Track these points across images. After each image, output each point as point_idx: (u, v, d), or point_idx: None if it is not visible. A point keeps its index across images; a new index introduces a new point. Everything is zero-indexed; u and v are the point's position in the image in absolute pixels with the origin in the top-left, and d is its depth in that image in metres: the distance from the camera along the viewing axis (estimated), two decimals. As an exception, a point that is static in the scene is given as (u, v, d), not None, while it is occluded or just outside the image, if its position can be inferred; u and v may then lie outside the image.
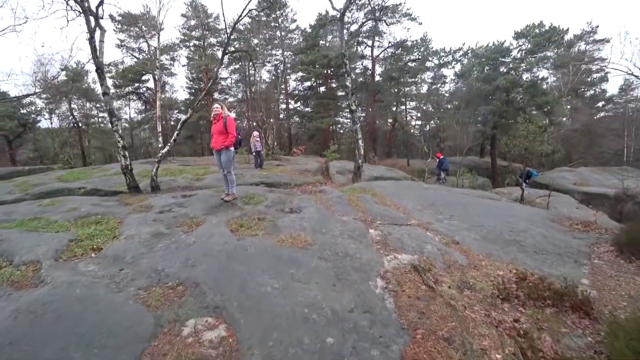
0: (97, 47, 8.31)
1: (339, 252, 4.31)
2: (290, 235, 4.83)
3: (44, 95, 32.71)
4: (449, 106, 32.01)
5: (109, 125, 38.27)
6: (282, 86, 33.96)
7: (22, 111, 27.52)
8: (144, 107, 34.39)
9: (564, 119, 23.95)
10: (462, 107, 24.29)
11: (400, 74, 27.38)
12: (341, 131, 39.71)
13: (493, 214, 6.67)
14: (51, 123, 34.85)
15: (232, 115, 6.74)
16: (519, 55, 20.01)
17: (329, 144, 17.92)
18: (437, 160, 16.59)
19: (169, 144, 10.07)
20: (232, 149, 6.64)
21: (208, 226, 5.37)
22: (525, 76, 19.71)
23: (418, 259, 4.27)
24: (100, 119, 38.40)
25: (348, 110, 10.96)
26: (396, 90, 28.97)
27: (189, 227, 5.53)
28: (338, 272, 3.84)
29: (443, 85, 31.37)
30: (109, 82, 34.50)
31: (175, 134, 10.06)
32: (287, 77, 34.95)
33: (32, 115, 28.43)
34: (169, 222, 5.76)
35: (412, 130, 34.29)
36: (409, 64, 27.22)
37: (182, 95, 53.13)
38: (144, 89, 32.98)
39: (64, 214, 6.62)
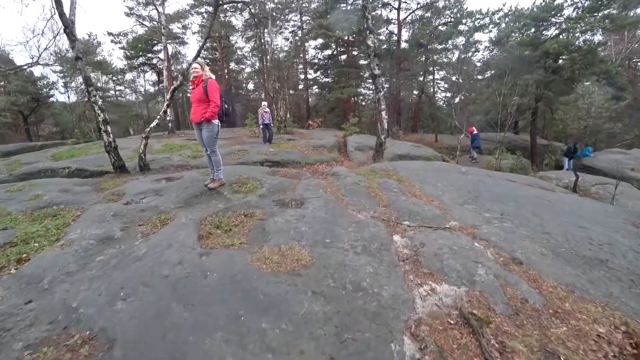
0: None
1: (348, 282, 2.84)
2: (278, 249, 3.39)
3: (58, 69, 32.25)
4: (479, 77, 29.16)
5: (123, 98, 37.78)
6: (301, 55, 31.88)
7: (36, 85, 26.73)
8: (157, 79, 33.14)
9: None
10: (498, 77, 21.73)
11: (429, 40, 24.71)
12: (363, 103, 37.45)
13: (555, 211, 4.97)
14: (68, 97, 34.51)
15: (213, 77, 5.15)
16: (574, 15, 16.96)
17: (348, 117, 16.11)
18: (470, 135, 14.60)
19: (158, 117, 8.71)
20: (215, 121, 5.18)
21: (174, 227, 4.02)
22: (581, 39, 16.77)
23: (467, 294, 2.77)
24: (117, 92, 37.83)
25: (370, 76, 9.03)
26: (424, 57, 26.34)
27: (153, 227, 4.21)
28: (343, 324, 2.38)
29: (475, 53, 28.39)
30: (120, 53, 33.51)
31: (165, 104, 8.69)
32: (306, 44, 32.76)
33: (45, 90, 27.69)
34: (131, 218, 4.47)
35: (440, 103, 31.69)
36: (439, 27, 24.42)
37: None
38: (157, 59, 31.61)
39: (25, 203, 5.54)
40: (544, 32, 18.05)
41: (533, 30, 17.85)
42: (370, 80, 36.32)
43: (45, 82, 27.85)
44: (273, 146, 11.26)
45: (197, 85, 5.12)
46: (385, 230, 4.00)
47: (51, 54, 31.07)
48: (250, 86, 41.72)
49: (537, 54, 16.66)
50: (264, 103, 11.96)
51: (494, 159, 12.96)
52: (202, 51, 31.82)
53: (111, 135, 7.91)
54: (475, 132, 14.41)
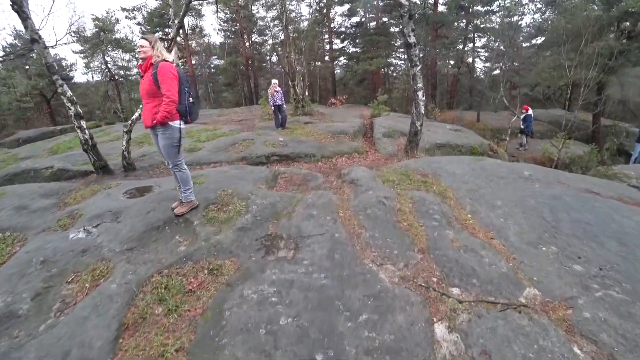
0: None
1: None
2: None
3: (78, 49, 31.63)
4: (525, 44, 25.55)
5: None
6: (325, 23, 29.42)
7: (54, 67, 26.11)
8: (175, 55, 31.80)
9: None
10: (553, 44, 18.50)
11: (471, 1, 21.57)
12: (394, 74, 34.60)
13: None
14: (92, 77, 34.08)
15: (171, 59, 3.40)
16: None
17: (377, 91, 14.02)
18: (522, 115, 12.23)
19: (140, 107, 7.27)
20: (175, 123, 3.63)
21: (95, 300, 2.62)
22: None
23: None
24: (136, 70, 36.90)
25: (403, 45, 6.92)
26: (465, 22, 23.17)
27: (80, 290, 2.85)
28: None
29: (522, 17, 24.64)
30: (136, 28, 32.30)
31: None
32: (332, 11, 30.15)
33: (64, 72, 27.08)
34: (62, 268, 3.29)
35: (480, 75, 28.31)
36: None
37: (216, 39, 49.99)
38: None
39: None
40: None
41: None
42: (403, 49, 33.30)
43: (63, 64, 27.20)
44: (286, 132, 9.64)
45: (146, 71, 3.55)
46: (422, 312, 2.40)
47: (70, 33, 30.62)
48: (275, 59, 39.66)
49: (612, 14, 13.56)
50: (274, 81, 10.24)
51: (553, 146, 10.61)
52: (221, 23, 29.95)
53: (87, 131, 6.59)
54: (530, 112, 12.00)
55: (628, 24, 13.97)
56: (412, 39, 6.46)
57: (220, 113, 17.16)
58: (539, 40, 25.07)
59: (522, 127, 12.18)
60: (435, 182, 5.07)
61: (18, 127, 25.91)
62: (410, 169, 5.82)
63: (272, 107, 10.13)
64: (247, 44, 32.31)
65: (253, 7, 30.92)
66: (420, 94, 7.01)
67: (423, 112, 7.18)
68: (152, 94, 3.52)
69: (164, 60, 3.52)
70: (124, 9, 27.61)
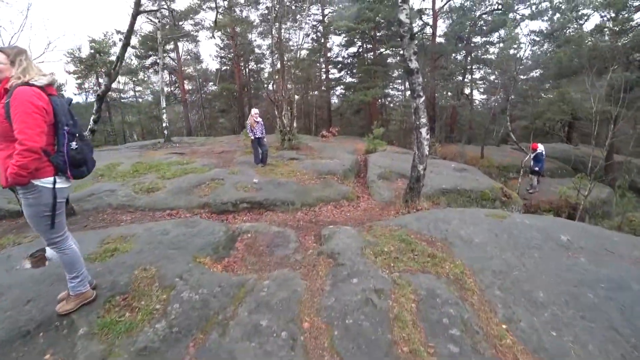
0: None
1: None
2: None
3: (72, 69, 30.97)
4: (522, 76, 24.80)
5: (141, 99, 36.16)
6: (322, 52, 28.99)
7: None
8: (168, 80, 31.13)
9: None
10: (555, 77, 17.76)
11: (470, 32, 20.97)
12: (392, 105, 33.87)
13: None
14: (86, 98, 33.28)
15: (41, 83, 1.91)
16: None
17: (372, 125, 12.79)
18: (532, 153, 10.99)
19: (90, 126, 5.99)
20: (44, 182, 2.24)
21: None
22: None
23: None
24: (137, 93, 36.11)
25: (404, 71, 5.61)
26: (464, 53, 22.52)
27: None
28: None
29: (518, 48, 24.09)
30: (130, 50, 31.84)
31: (92, 116, 5.93)
32: (330, 41, 29.79)
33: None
34: None
35: (478, 107, 27.47)
36: (484, 16, 20.59)
37: (212, 65, 49.69)
38: (168, 59, 29.55)
39: None
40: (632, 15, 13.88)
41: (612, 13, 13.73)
42: (402, 78, 32.75)
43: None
44: (265, 171, 8.28)
45: (0, 98, 2.20)
46: None
47: (64, 54, 29.97)
48: (271, 87, 39.02)
49: (622, 44, 12.67)
50: (254, 111, 8.97)
51: (574, 188, 9.29)
52: (217, 49, 29.23)
53: None
54: (540, 149, 10.76)
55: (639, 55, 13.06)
56: (413, 64, 5.25)
57: (204, 142, 15.89)
58: (536, 72, 24.49)
59: (533, 167, 10.90)
60: (448, 257, 3.67)
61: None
62: (412, 230, 4.43)
63: (252, 139, 8.83)
64: (243, 70, 31.67)
65: (250, 35, 30.54)
66: (424, 131, 5.72)
67: (427, 153, 5.87)
68: (4, 135, 2.16)
69: (26, 83, 2.18)
70: (118, 32, 26.96)
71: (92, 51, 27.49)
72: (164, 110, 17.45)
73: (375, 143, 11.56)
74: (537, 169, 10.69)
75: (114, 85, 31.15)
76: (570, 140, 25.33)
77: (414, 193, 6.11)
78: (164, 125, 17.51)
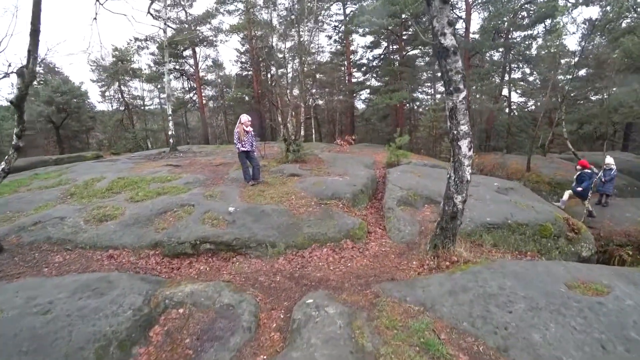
0: None
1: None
2: None
3: (95, 78, 31.00)
4: (563, 77, 21.92)
5: (162, 106, 35.82)
6: (344, 55, 27.35)
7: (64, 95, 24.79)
8: (188, 87, 30.38)
9: None
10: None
11: (509, 25, 18.50)
12: (420, 109, 31.49)
13: None
14: (111, 106, 33.34)
15: None
16: None
17: (394, 133, 10.73)
18: (578, 173, 8.49)
19: (14, 142, 4.49)
20: None
21: None
22: None
23: None
24: (160, 100, 35.77)
25: (433, 49, 3.54)
26: (503, 49, 20.01)
27: None
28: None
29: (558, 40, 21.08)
30: (148, 58, 31.44)
31: (15, 130, 4.40)
32: (354, 43, 28.06)
33: (74, 100, 25.85)
34: None
35: (516, 111, 24.50)
36: (527, 6, 18.06)
37: (235, 71, 49.03)
38: (187, 66, 28.79)
39: None
40: None
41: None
42: (430, 83, 30.48)
43: (74, 93, 25.98)
44: (252, 193, 6.52)
45: None
46: None
47: (89, 63, 30.00)
48: (296, 91, 37.60)
49: None
50: (244, 117, 7.22)
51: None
52: (237, 54, 28.25)
53: None
54: (591, 169, 8.22)
55: None
56: (448, 40, 3.34)
57: (212, 151, 14.49)
58: (582, 71, 21.47)
59: (575, 188, 8.37)
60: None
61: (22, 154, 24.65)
62: (444, 319, 2.56)
63: (238, 151, 7.09)
64: (263, 76, 30.39)
65: (270, 38, 29.31)
66: (464, 145, 3.77)
67: (469, 177, 3.92)
68: None
69: None
70: (136, 39, 26.43)
71: (115, 59, 27.28)
72: (170, 118, 16.23)
73: (398, 154, 9.57)
74: (579, 189, 8.15)
75: (134, 92, 30.92)
76: (627, 148, 22.07)
77: (447, 236, 4.15)
78: (169, 133, 16.32)
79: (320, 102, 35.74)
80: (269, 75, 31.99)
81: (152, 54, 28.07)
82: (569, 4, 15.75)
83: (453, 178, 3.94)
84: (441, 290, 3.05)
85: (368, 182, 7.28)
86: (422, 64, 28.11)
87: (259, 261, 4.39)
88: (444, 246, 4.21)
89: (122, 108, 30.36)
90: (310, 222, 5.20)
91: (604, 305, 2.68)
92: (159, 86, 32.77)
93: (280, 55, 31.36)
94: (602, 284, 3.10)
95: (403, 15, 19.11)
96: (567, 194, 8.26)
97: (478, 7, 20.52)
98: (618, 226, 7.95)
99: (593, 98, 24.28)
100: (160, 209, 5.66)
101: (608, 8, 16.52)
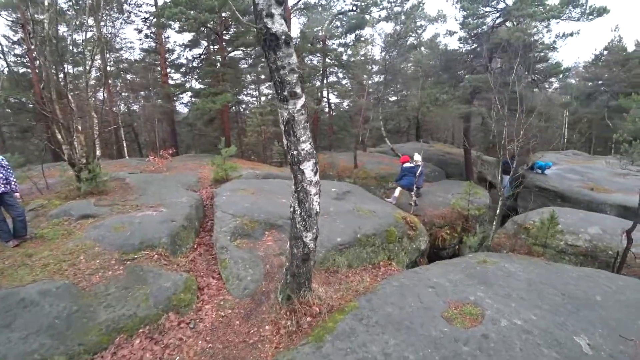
0: None
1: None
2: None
3: None
4: (371, 81, 25.50)
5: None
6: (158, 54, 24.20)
7: None
8: None
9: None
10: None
11: (326, 33, 19.79)
12: (247, 112, 30.87)
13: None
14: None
15: None
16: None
17: (218, 144, 9.18)
18: (400, 167, 9.45)
19: None
20: None
21: None
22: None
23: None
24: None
25: (256, 36, 3.92)
26: (320, 55, 21.25)
27: None
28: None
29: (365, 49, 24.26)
30: None
31: None
32: (167, 38, 25.03)
33: None
34: None
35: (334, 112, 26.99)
36: (340, 16, 19.62)
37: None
38: None
39: None
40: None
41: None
42: (255, 85, 30.21)
43: None
44: (12, 261, 4.19)
45: None
46: None
47: None
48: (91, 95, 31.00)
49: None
50: None
51: (461, 199, 8.18)
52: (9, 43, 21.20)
53: None
54: (410, 163, 9.25)
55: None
56: (277, 24, 2.30)
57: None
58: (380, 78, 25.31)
59: (400, 182, 9.30)
60: None
61: None
62: None
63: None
64: (56, 75, 23.77)
65: (60, 27, 23.07)
66: (308, 168, 2.92)
67: (318, 208, 3.11)
68: None
69: None
70: None
71: None
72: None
73: (226, 168, 8.30)
74: (405, 183, 9.07)
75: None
76: (418, 138, 27.12)
77: (300, 282, 3.27)
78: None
79: (136, 107, 31.07)
80: (60, 75, 25.28)
81: None
82: (374, 18, 17.75)
83: (299, 212, 3.05)
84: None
85: (192, 212, 5.77)
86: (246, 65, 27.45)
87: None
88: (298, 296, 3.30)
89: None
90: (109, 299, 3.47)
91: (489, 339, 2.39)
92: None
93: (77, 50, 25.31)
94: (471, 303, 2.95)
95: (223, 14, 17.85)
96: (397, 191, 8.80)
97: (297, 13, 21.09)
98: (436, 210, 8.97)
99: (392, 99, 29.25)
100: None
101: (397, 28, 19.68)
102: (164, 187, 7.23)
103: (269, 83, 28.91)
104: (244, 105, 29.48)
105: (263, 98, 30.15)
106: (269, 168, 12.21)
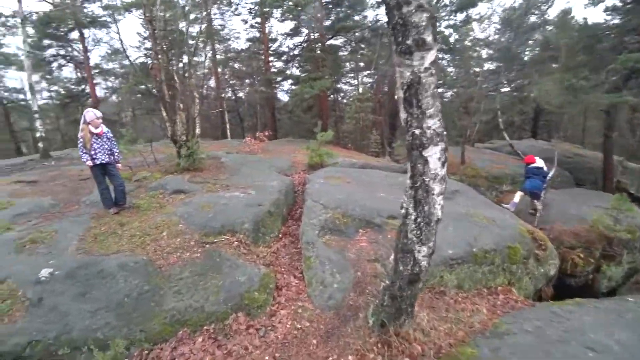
0: None
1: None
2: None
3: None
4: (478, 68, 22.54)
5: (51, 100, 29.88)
6: (262, 43, 25.13)
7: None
8: (76, 76, 25.38)
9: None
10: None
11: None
12: (344, 101, 30.44)
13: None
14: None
15: None
16: None
17: (315, 128, 8.81)
18: (525, 168, 7.65)
19: None
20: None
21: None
22: None
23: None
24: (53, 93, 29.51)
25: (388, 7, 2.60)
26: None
27: None
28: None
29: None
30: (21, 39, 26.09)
31: None
32: (268, 26, 25.81)
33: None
34: None
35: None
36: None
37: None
38: (74, 51, 23.89)
39: None
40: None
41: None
42: (353, 74, 29.65)
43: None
44: (104, 229, 4.21)
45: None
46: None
47: None
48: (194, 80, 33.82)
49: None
50: (89, 114, 4.81)
51: (607, 216, 6.25)
52: (141, 39, 24.33)
53: None
54: (537, 163, 7.40)
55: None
56: None
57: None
58: (492, 65, 22.07)
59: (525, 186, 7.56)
60: None
61: None
62: None
63: (87, 164, 4.67)
64: (174, 65, 26.55)
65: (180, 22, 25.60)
66: (434, 155, 2.07)
67: (440, 214, 2.26)
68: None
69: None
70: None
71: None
72: (37, 115, 12.43)
73: (321, 154, 7.78)
74: (533, 189, 7.30)
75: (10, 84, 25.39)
76: (535, 135, 23.23)
77: (400, 308, 2.44)
78: (37, 135, 12.53)
79: (242, 94, 33.10)
80: (175, 63, 28.11)
81: (30, 36, 22.67)
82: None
83: (413, 217, 2.22)
84: None
85: (281, 197, 5.34)
86: (345, 53, 26.94)
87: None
88: (395, 325, 2.49)
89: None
90: (180, 284, 3.14)
91: None
92: (47, 77, 27.13)
93: (192, 42, 27.88)
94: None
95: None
96: (518, 196, 7.18)
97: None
98: (566, 225, 7.15)
99: (503, 90, 25.43)
100: None
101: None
102: (256, 168, 7.02)
103: (368, 72, 27.94)
104: (342, 94, 29.06)
105: (361, 88, 29.34)
106: (367, 158, 11.44)
